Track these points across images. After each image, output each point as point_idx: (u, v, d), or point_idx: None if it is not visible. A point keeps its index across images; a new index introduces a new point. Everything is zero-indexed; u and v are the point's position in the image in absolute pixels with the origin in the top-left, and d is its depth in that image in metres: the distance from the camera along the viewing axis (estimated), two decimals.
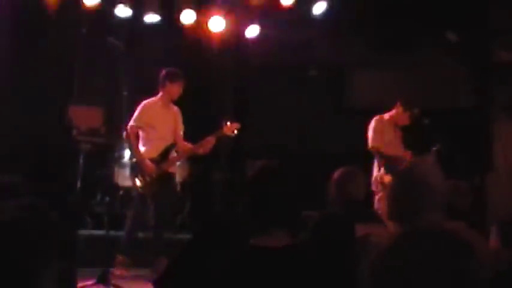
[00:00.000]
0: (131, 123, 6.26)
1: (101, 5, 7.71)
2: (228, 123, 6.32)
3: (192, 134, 6.58)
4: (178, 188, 7.95)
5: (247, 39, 8.38)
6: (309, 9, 8.07)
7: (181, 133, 6.54)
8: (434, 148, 6.76)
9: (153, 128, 6.31)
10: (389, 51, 8.47)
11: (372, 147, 6.68)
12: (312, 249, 2.51)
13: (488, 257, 3.34)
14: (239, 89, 9.09)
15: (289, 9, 7.94)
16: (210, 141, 6.29)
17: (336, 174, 4.12)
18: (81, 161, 7.64)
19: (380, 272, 1.26)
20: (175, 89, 6.36)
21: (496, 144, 8.17)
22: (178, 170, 7.67)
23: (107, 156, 7.51)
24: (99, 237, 6.17)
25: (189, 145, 6.50)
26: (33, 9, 7.56)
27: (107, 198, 7.41)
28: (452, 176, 4.19)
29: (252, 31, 8.28)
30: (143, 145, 6.36)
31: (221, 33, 8.24)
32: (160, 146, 6.30)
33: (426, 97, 8.17)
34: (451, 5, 8.05)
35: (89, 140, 7.72)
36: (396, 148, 6.73)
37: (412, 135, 6.91)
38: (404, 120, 6.81)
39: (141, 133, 6.33)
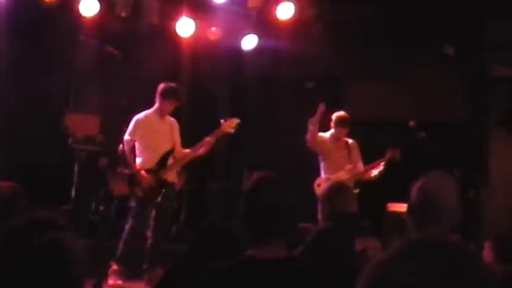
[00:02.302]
0: (126, 137, 6.30)
1: (98, 13, 7.71)
2: (226, 120, 6.35)
3: (190, 143, 6.56)
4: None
5: (244, 50, 8.38)
6: (306, 22, 8.09)
7: (179, 142, 6.55)
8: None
9: (147, 140, 6.34)
10: (386, 64, 8.50)
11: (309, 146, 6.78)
12: (311, 261, 2.50)
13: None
14: (236, 100, 9.08)
15: (286, 21, 7.96)
16: (209, 142, 6.31)
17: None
18: (76, 169, 7.62)
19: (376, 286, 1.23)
20: (167, 106, 6.39)
21: (491, 158, 8.18)
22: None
23: (103, 164, 7.47)
24: (94, 247, 6.12)
25: (187, 150, 6.50)
26: (30, 16, 7.55)
27: (102, 207, 7.38)
28: None
29: (249, 42, 8.29)
30: (138, 155, 6.36)
31: (218, 44, 8.25)
32: (155, 157, 6.31)
33: (422, 110, 8.19)
34: (448, 19, 8.09)
35: (84, 148, 7.69)
36: (343, 163, 6.80)
37: None
38: (343, 134, 6.87)
39: (136, 144, 6.35)
